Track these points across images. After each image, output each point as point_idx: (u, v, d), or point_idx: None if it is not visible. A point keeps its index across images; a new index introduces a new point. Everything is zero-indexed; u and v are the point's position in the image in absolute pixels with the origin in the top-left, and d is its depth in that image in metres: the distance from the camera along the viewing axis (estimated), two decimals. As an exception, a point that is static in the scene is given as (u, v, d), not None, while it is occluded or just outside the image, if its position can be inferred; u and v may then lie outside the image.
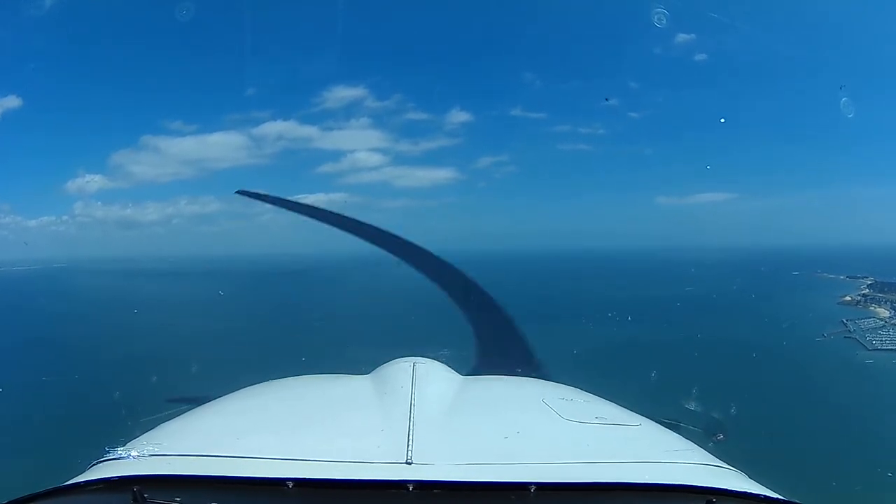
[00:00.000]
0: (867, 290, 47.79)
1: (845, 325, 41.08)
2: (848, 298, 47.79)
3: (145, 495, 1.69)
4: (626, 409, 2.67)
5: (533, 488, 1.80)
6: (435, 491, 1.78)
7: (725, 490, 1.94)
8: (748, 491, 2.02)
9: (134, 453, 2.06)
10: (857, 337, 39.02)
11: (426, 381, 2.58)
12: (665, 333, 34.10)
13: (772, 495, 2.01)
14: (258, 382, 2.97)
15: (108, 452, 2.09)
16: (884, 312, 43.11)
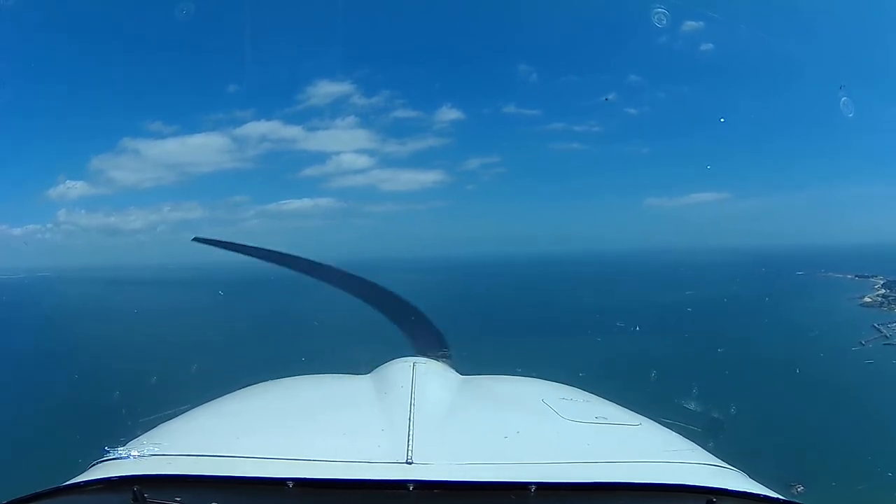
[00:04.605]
0: (884, 291, 45.74)
1: (879, 330, 38.39)
2: (868, 300, 45.63)
3: (145, 495, 1.69)
4: (626, 409, 2.67)
5: (533, 488, 1.80)
6: (435, 491, 1.78)
7: (726, 490, 1.94)
8: (749, 491, 2.03)
9: (134, 453, 2.07)
10: (898, 343, 35.99)
11: (426, 380, 2.59)
12: (684, 347, 30.61)
13: (772, 495, 2.02)
14: (258, 382, 2.98)
15: (108, 452, 2.09)
16: (913, 314, 40.64)
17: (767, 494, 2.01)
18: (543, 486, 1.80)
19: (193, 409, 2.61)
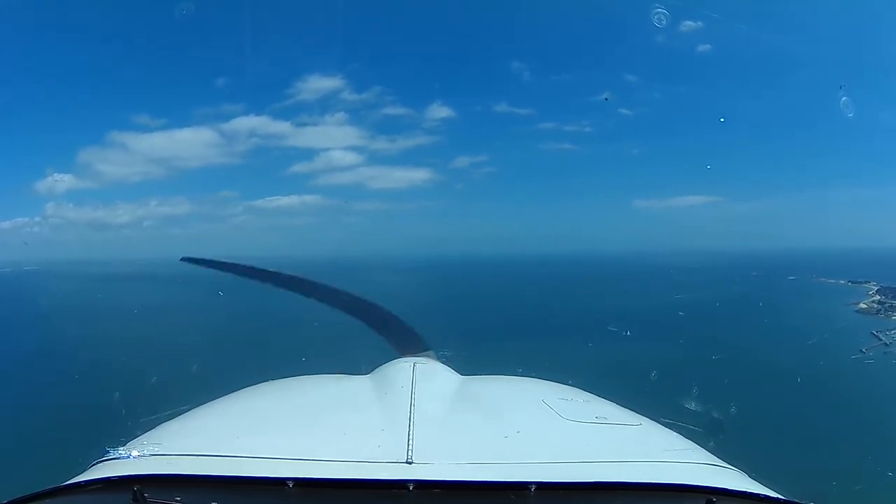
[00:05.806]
0: (879, 297, 45.39)
1: (878, 337, 37.95)
2: (864, 306, 45.22)
3: (145, 495, 1.69)
4: (626, 409, 2.68)
5: (533, 488, 1.80)
6: (435, 490, 1.78)
7: (726, 490, 1.94)
8: (749, 490, 2.03)
9: (134, 453, 2.07)
10: (900, 351, 35.39)
11: (426, 380, 2.61)
12: (677, 353, 29.02)
13: (772, 495, 2.02)
14: (258, 382, 2.98)
15: (109, 452, 2.09)
16: (911, 321, 40.08)
17: (768, 494, 2.02)
18: (543, 486, 1.81)
19: (193, 409, 2.61)
